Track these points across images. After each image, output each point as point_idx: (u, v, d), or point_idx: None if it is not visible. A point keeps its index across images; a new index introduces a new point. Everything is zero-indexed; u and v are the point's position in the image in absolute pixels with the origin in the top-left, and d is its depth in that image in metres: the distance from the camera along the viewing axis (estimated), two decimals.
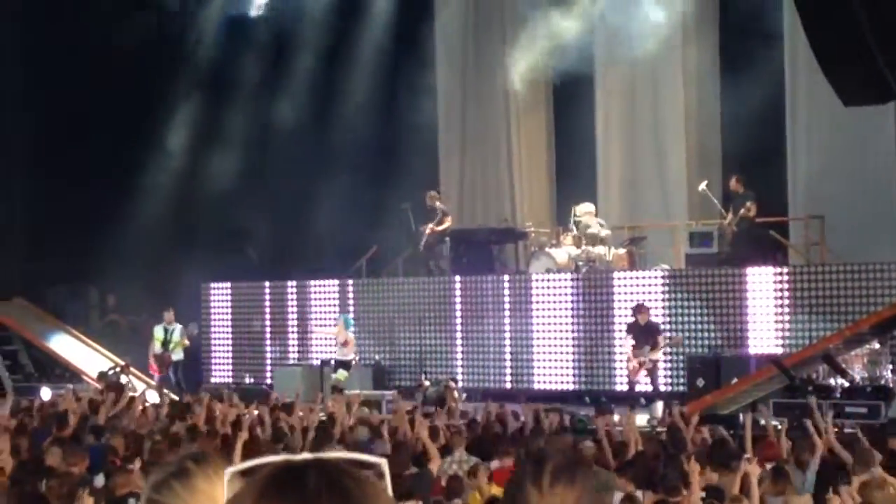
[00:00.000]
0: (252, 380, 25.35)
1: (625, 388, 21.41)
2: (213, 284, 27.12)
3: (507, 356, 23.43)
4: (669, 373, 21.52)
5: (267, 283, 26.51)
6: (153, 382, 23.65)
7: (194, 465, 2.76)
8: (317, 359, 25.13)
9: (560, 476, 2.79)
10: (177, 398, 20.35)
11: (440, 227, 25.17)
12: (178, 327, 24.77)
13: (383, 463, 1.83)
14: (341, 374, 22.35)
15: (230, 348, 26.90)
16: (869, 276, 20.65)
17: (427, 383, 22.37)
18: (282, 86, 27.39)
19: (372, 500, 1.67)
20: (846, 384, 18.96)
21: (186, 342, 24.96)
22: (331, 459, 1.72)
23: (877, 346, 19.85)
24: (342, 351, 22.53)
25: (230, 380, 25.95)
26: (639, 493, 10.35)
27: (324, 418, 16.65)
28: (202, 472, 2.74)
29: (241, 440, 11.80)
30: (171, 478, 2.76)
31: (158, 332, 24.54)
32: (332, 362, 22.88)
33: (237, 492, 1.71)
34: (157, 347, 24.44)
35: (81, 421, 15.36)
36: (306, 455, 1.74)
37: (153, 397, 20.53)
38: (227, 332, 26.90)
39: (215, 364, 26.82)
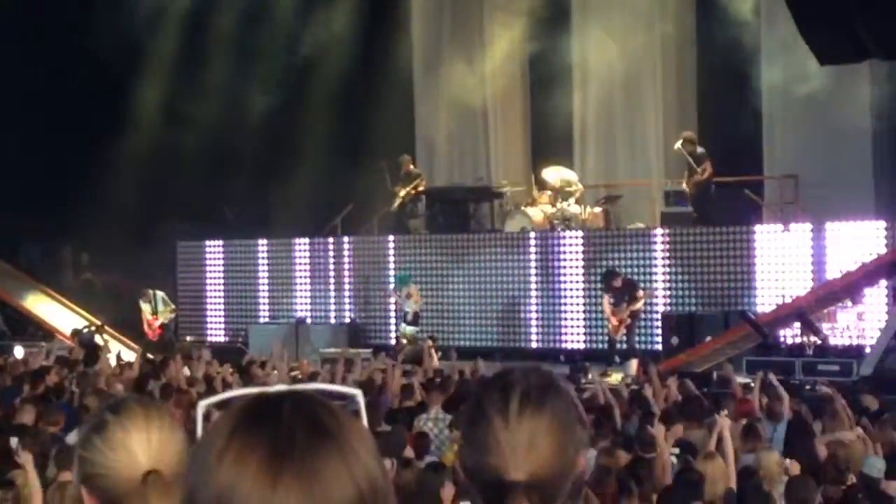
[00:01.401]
0: (239, 340, 25.31)
1: (602, 346, 21.49)
2: (188, 243, 27.07)
3: (485, 315, 23.43)
4: (644, 331, 21.57)
5: (243, 242, 26.47)
6: (129, 342, 23.71)
7: (112, 415, 2.69)
8: (292, 317, 25.15)
9: (528, 403, 2.47)
10: (151, 357, 20.31)
11: (414, 191, 25.25)
12: (160, 295, 24.89)
13: (358, 394, 1.84)
14: (408, 329, 22.37)
15: (206, 307, 26.86)
16: (842, 234, 20.70)
17: (403, 341, 22.40)
18: (257, 44, 27.16)
19: (347, 431, 1.66)
20: (818, 342, 19.07)
21: (171, 306, 25.06)
22: (306, 391, 1.72)
23: (849, 304, 19.95)
24: (408, 303, 22.51)
25: (208, 339, 25.94)
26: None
27: (298, 376, 16.65)
28: (119, 422, 2.67)
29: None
30: (91, 432, 2.70)
31: (144, 306, 24.71)
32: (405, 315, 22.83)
33: (211, 424, 1.71)
34: (148, 317, 24.67)
35: (57, 380, 15.33)
36: (281, 387, 1.73)
37: (128, 357, 20.49)
38: (202, 291, 26.85)
39: (191, 323, 26.78)
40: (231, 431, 1.65)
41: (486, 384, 2.58)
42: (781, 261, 21.08)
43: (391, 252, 24.68)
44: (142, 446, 2.65)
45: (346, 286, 25.14)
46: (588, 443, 10.29)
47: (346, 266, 25.18)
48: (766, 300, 20.88)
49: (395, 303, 23.33)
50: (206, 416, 1.83)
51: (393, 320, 24.31)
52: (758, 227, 21.84)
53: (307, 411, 1.66)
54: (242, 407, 1.68)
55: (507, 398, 2.48)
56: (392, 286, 23.43)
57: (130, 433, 2.65)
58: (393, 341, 23.35)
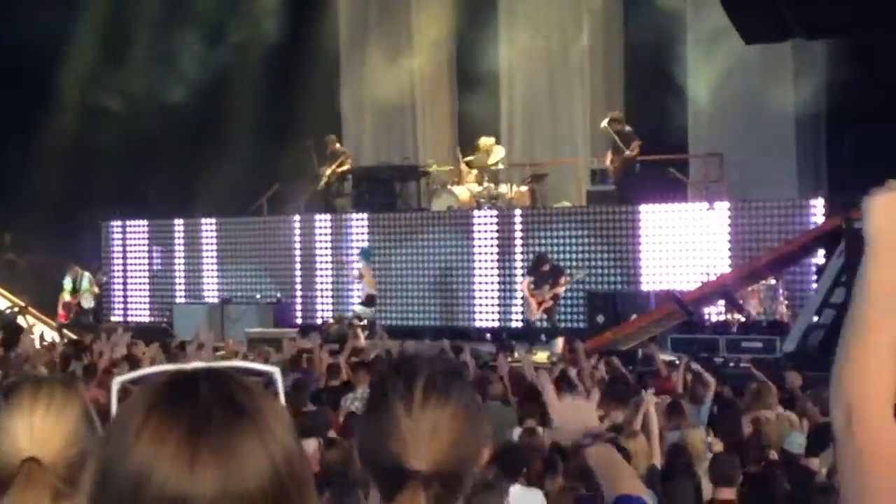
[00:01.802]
0: (164, 320, 25.14)
1: (518, 325, 21.59)
2: (112, 223, 26.86)
3: (413, 294, 23.43)
4: (570, 310, 21.66)
5: (167, 223, 26.32)
6: (53, 323, 23.49)
7: (3, 399, 2.64)
8: (217, 297, 25.06)
9: (433, 391, 2.41)
10: (74, 338, 20.14)
11: (340, 169, 25.24)
12: (86, 275, 24.70)
13: (275, 371, 1.83)
14: (363, 310, 22.29)
15: (130, 287, 26.69)
16: (766, 212, 20.89)
17: (331, 321, 22.35)
18: (181, 26, 26.88)
19: (263, 409, 1.64)
20: (743, 319, 19.24)
21: (96, 289, 24.87)
22: (222, 369, 1.70)
23: (773, 281, 20.15)
24: (362, 283, 22.42)
25: (132, 319, 25.77)
26: (539, 429, 10.42)
27: (224, 355, 16.55)
28: (7, 406, 2.61)
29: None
30: None
31: (67, 282, 24.51)
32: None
33: (127, 402, 1.68)
34: (66, 297, 24.45)
35: None
36: (197, 364, 1.71)
37: (51, 337, 20.31)
38: (127, 271, 26.67)
39: (115, 303, 26.60)
40: (148, 409, 1.62)
41: (389, 369, 2.52)
42: (706, 238, 21.23)
43: (318, 231, 24.62)
44: (24, 432, 2.57)
45: (272, 266, 25.06)
46: (512, 419, 10.30)
47: (272, 245, 25.09)
48: (690, 278, 21.03)
49: (349, 274, 23.27)
50: (123, 394, 1.81)
51: (320, 300, 24.29)
52: (682, 205, 21.99)
53: (223, 389, 1.64)
54: (159, 385, 1.66)
55: (411, 385, 2.43)
56: (353, 257, 23.29)
57: (14, 418, 2.58)
58: (319, 321, 23.30)
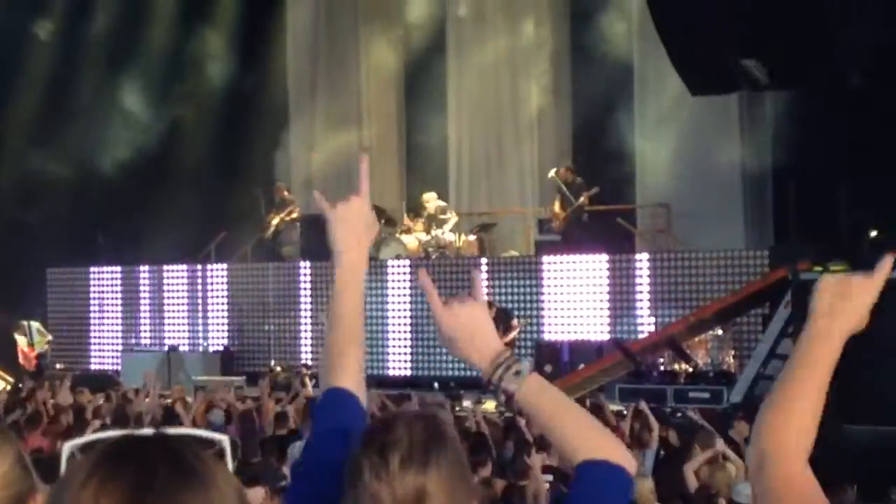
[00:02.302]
0: (111, 368, 24.92)
1: (475, 373, 21.50)
2: (57, 269, 26.67)
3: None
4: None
5: (114, 269, 26.16)
6: None
7: None
8: (165, 345, 24.90)
9: (410, 463, 2.32)
10: (12, 382, 19.95)
11: (288, 218, 25.20)
12: (34, 325, 24.52)
13: (224, 440, 1.81)
14: None
15: (77, 335, 26.47)
16: (713, 263, 21.00)
17: (278, 369, 22.23)
18: (131, 60, 26.78)
19: (213, 473, 1.63)
20: (690, 370, 19.29)
21: (48, 336, 24.70)
22: (171, 435, 1.69)
23: (720, 332, 20.23)
24: None
25: (79, 367, 25.55)
26: (497, 481, 10.42)
27: (170, 404, 16.45)
28: None
29: (92, 428, 11.61)
30: None
31: (21, 340, 24.31)
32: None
33: (72, 466, 1.67)
34: (24, 348, 24.25)
35: None
36: (147, 430, 1.70)
37: None
38: (72, 318, 26.47)
39: (62, 351, 26.36)
40: (93, 467, 1.61)
41: (364, 441, 2.43)
42: (654, 288, 21.31)
43: (265, 279, 24.55)
44: None
45: (220, 314, 24.94)
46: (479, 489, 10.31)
47: (220, 293, 24.98)
48: (638, 328, 21.09)
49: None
50: (72, 458, 1.79)
51: (266, 348, 24.18)
52: (630, 256, 22.07)
53: (171, 451, 1.63)
54: (105, 446, 1.65)
55: (386, 459, 2.35)
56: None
57: None
58: (266, 369, 23.18)
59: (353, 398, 2.83)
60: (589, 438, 2.60)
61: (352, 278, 3.13)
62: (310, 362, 23.16)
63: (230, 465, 1.77)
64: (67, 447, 1.80)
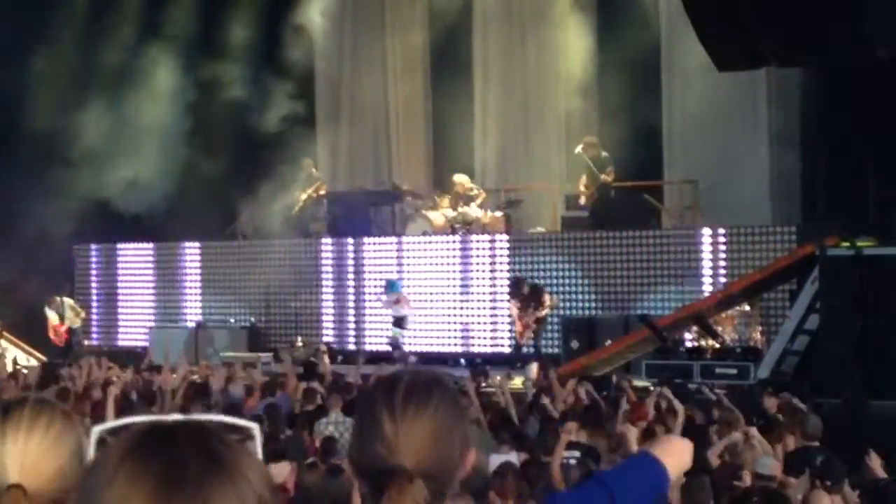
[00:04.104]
0: (140, 344, 25.02)
1: (504, 350, 21.56)
2: (84, 246, 26.77)
3: (387, 319, 23.37)
4: (545, 335, 21.66)
5: (142, 246, 26.26)
6: (27, 347, 23.40)
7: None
8: (192, 321, 25.00)
9: (412, 398, 2.60)
10: (43, 360, 20.06)
11: (315, 194, 25.21)
12: (67, 302, 24.59)
13: (254, 427, 1.81)
14: (395, 331, 22.12)
15: (105, 311, 26.59)
16: (740, 239, 20.96)
17: (299, 344, 22.31)
18: (157, 43, 26.73)
19: (241, 463, 1.62)
20: (717, 346, 19.27)
21: (81, 313, 24.76)
22: (200, 421, 1.68)
23: (747, 308, 20.20)
24: (395, 308, 22.15)
25: (106, 343, 25.68)
26: (513, 453, 10.45)
27: (198, 381, 16.53)
28: (1, 426, 2.48)
29: (111, 402, 11.64)
30: None
31: (52, 316, 24.36)
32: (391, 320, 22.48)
33: (102, 450, 1.67)
34: (55, 322, 24.31)
35: None
36: (175, 416, 1.70)
37: (24, 361, 20.23)
38: (101, 295, 26.59)
39: (90, 327, 26.45)
40: (121, 458, 1.60)
41: (375, 382, 2.72)
42: (680, 265, 21.28)
43: (293, 255, 24.60)
44: (14, 456, 2.45)
45: (247, 290, 25.00)
46: (488, 443, 10.34)
47: (247, 269, 25.04)
48: (665, 304, 21.07)
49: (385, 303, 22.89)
50: (101, 442, 1.79)
51: (295, 324, 24.24)
52: (657, 232, 22.04)
53: (201, 440, 1.62)
54: (135, 434, 1.64)
55: (393, 391, 2.62)
56: (384, 293, 22.91)
57: (7, 440, 2.46)
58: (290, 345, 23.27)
59: (658, 465, 2.94)
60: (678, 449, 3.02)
61: None
62: (332, 339, 23.25)
63: (259, 452, 1.78)
64: (96, 431, 1.80)
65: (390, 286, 22.34)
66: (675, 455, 2.95)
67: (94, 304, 26.53)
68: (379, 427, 2.58)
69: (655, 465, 2.88)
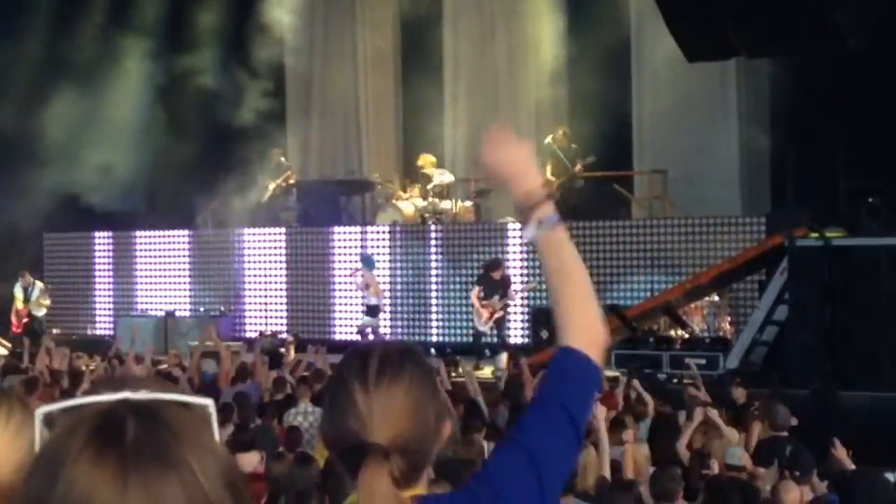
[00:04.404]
0: (108, 333, 24.92)
1: (471, 340, 21.55)
2: (53, 234, 26.66)
3: (357, 309, 23.36)
4: (514, 325, 21.68)
5: (111, 234, 26.17)
6: None
7: None
8: (161, 310, 24.92)
9: (386, 369, 2.53)
10: (9, 348, 19.94)
11: (285, 183, 25.16)
12: (37, 284, 24.46)
13: (209, 404, 1.75)
14: (366, 319, 21.95)
15: (74, 299, 26.49)
16: (709, 229, 21.00)
17: (269, 334, 22.27)
18: (126, 35, 26.57)
19: (194, 444, 1.59)
20: (686, 336, 19.32)
21: (47, 301, 24.60)
22: (149, 400, 1.63)
23: (716, 298, 20.26)
24: (368, 293, 21.90)
25: (74, 331, 25.58)
26: (485, 443, 10.44)
27: (166, 368, 16.48)
28: None
29: (82, 391, 11.56)
30: None
31: (18, 291, 24.22)
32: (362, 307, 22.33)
33: (49, 442, 1.62)
34: (18, 305, 24.16)
35: None
36: (122, 395, 1.63)
37: None
38: (70, 283, 26.48)
39: (58, 316, 26.34)
40: (74, 444, 1.57)
41: (347, 354, 2.65)
42: (650, 255, 21.31)
43: (262, 244, 24.57)
44: None
45: (217, 280, 24.96)
46: (453, 417, 10.27)
47: (216, 258, 24.99)
48: (634, 294, 21.10)
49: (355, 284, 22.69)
50: (48, 423, 1.73)
51: (263, 312, 24.23)
52: (627, 222, 22.07)
53: (148, 419, 1.59)
54: (82, 417, 1.60)
55: (365, 364, 2.55)
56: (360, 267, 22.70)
57: None
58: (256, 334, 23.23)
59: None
60: (582, 311, 2.85)
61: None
62: (300, 328, 23.26)
63: (215, 429, 1.73)
64: (40, 412, 1.74)
65: (365, 262, 22.17)
66: (599, 339, 2.81)
67: (63, 292, 26.40)
68: (352, 401, 2.51)
69: (590, 366, 2.73)
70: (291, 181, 25.31)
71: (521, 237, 21.71)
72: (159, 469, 1.56)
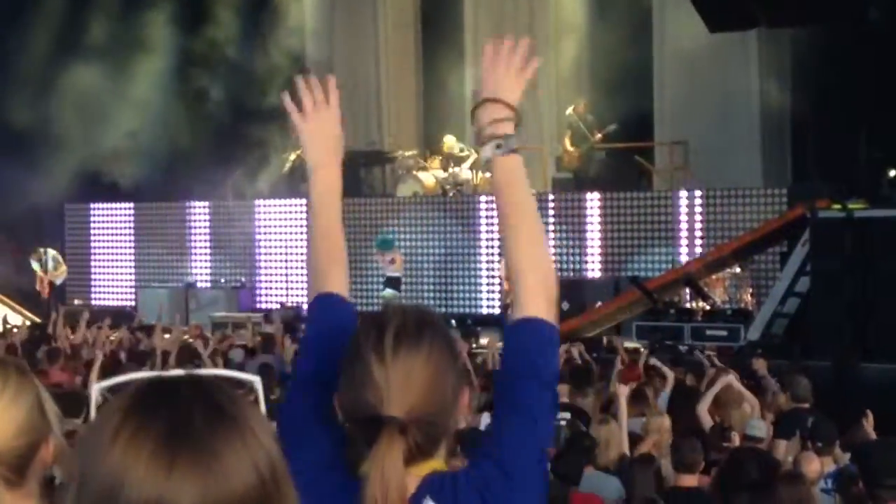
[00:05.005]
0: (130, 304, 25.00)
1: (494, 311, 21.55)
2: (75, 205, 26.73)
3: (377, 280, 23.37)
4: None
5: (132, 206, 26.23)
6: (16, 306, 23.38)
7: None
8: (181, 282, 24.97)
9: (403, 338, 2.46)
10: (38, 320, 20.03)
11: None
12: (50, 253, 24.55)
13: (256, 381, 1.79)
14: (388, 292, 21.94)
15: (95, 270, 26.57)
16: (731, 201, 20.95)
17: (290, 306, 22.30)
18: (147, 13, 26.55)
19: (246, 415, 1.61)
20: (707, 307, 19.30)
21: (63, 267, 24.70)
22: (203, 375, 1.67)
23: (737, 270, 20.22)
24: (390, 269, 21.92)
25: (96, 302, 25.66)
26: None
27: (189, 340, 16.52)
28: None
29: (98, 361, 11.59)
30: None
31: (35, 265, 24.34)
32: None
33: (105, 407, 1.65)
34: (40, 274, 24.30)
35: None
36: (178, 371, 1.69)
37: (14, 320, 20.21)
38: (91, 253, 26.56)
39: (79, 285, 26.44)
40: (125, 413, 1.58)
41: (364, 322, 2.57)
42: (671, 226, 21.28)
43: (283, 216, 24.59)
44: None
45: (238, 251, 24.99)
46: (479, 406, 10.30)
47: (237, 230, 25.02)
48: (655, 265, 21.08)
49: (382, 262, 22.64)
50: (103, 400, 1.76)
51: (284, 284, 24.26)
52: (648, 193, 22.04)
53: (205, 394, 1.61)
54: (138, 389, 1.62)
55: (381, 334, 2.47)
56: (375, 248, 22.70)
57: None
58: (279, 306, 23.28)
59: (344, 301, 2.83)
60: (539, 258, 2.80)
61: (332, 196, 3.10)
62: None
63: (262, 405, 1.76)
64: (97, 389, 1.78)
65: (383, 244, 22.10)
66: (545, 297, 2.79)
67: (84, 262, 26.49)
68: (368, 372, 2.44)
69: (546, 329, 2.71)
70: None
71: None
72: (218, 425, 1.58)
